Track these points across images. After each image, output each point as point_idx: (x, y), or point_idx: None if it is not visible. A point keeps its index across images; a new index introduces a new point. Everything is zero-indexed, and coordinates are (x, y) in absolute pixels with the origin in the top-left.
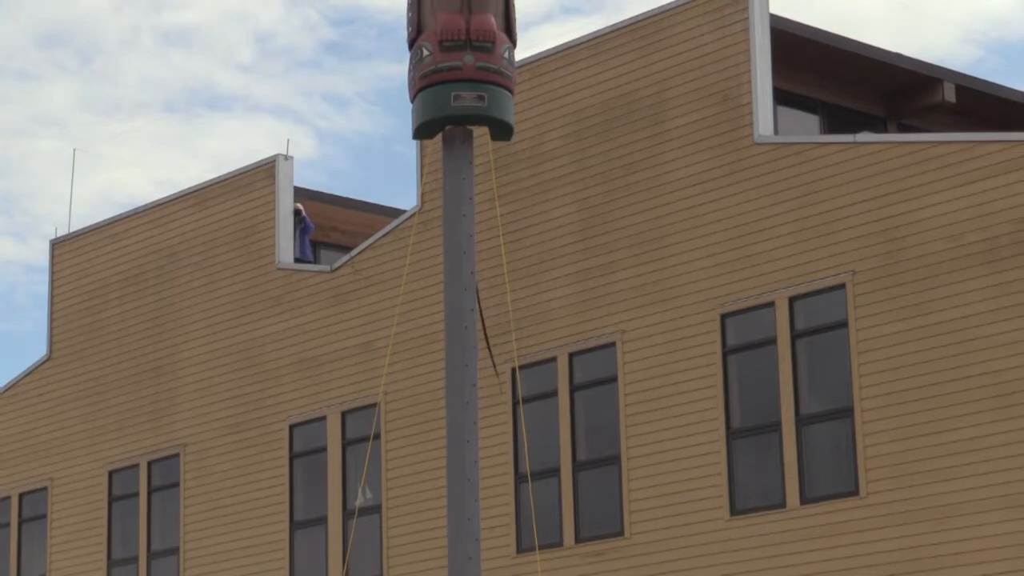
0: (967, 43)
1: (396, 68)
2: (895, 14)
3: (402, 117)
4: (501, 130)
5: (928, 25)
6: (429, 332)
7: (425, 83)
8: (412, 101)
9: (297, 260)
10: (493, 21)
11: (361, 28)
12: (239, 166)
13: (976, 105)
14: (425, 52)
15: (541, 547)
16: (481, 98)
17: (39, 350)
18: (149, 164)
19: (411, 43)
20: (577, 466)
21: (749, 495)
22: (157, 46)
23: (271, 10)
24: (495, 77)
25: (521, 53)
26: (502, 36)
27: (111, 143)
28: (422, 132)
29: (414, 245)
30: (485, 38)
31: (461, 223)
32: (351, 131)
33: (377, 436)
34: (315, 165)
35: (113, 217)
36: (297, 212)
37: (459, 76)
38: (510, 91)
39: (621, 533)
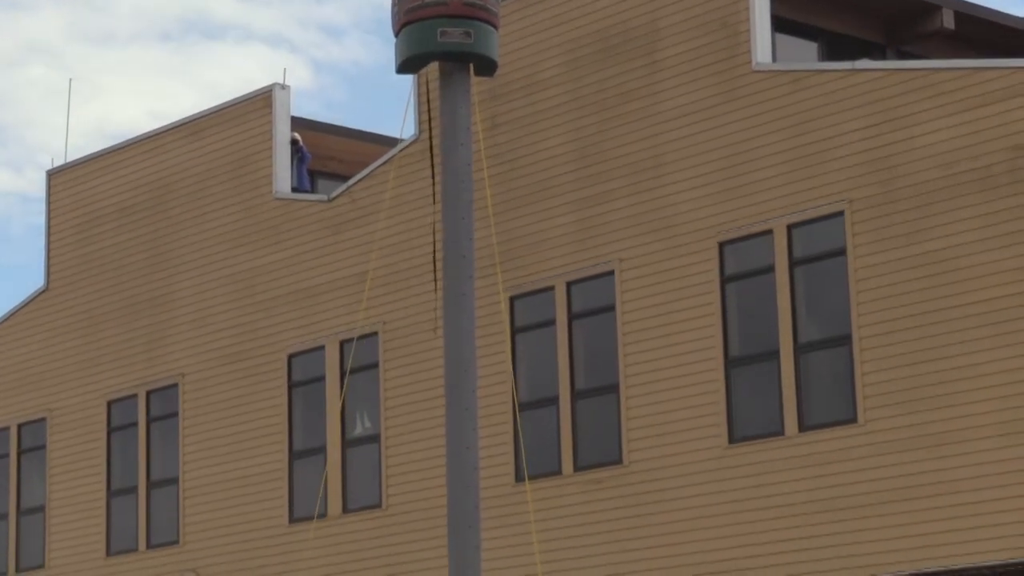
0: None
1: None
2: None
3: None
4: (485, 66)
5: None
6: (427, 261)
7: (410, 18)
8: (396, 35)
9: (294, 190)
10: None
11: None
12: (234, 96)
13: (975, 32)
14: None
15: (540, 475)
16: (467, 34)
17: (35, 281)
18: (143, 93)
19: None
20: (576, 395)
21: (747, 423)
22: None
23: None
24: (481, 13)
25: None
26: None
27: (105, 72)
28: (407, 67)
29: (408, 174)
30: None
31: (458, 152)
32: (347, 61)
33: (361, 370)
34: (311, 95)
35: (110, 147)
36: (294, 142)
37: (445, 12)
38: (495, 27)
39: (619, 461)
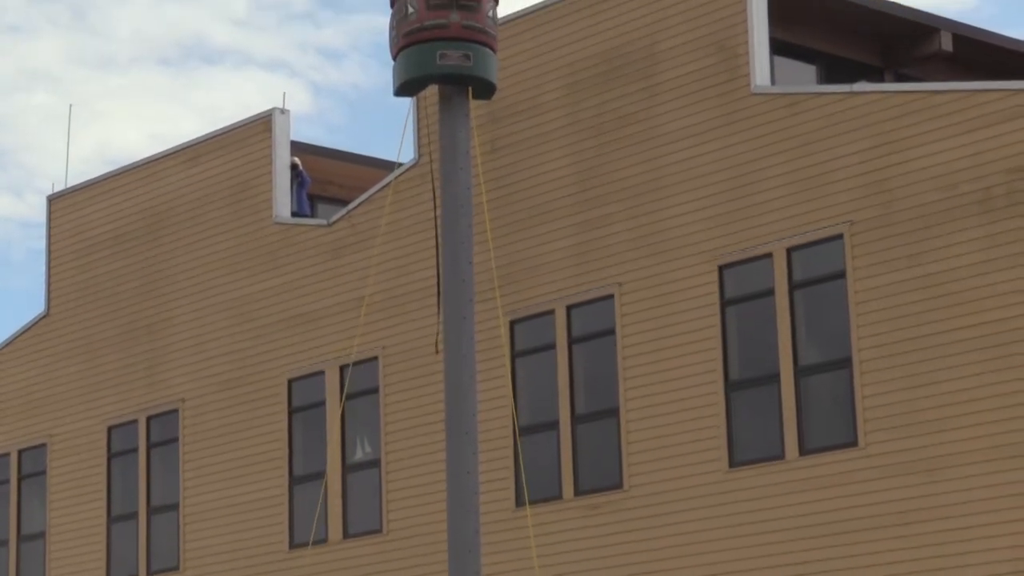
0: None
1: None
2: None
3: None
4: (484, 89)
5: None
6: (427, 285)
7: (410, 40)
8: (394, 58)
9: (294, 214)
10: None
11: None
12: (233, 120)
13: (973, 54)
14: (410, 9)
15: (540, 500)
16: (467, 57)
17: (35, 306)
18: (143, 118)
19: (394, 0)
20: (576, 419)
21: (748, 447)
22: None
23: None
24: (480, 36)
25: (514, 6)
26: None
27: (105, 97)
28: (405, 89)
29: (411, 199)
30: None
31: (458, 176)
32: (346, 85)
33: (360, 395)
34: (311, 119)
35: (110, 172)
36: (294, 166)
37: (445, 34)
38: (493, 50)
39: (620, 486)
